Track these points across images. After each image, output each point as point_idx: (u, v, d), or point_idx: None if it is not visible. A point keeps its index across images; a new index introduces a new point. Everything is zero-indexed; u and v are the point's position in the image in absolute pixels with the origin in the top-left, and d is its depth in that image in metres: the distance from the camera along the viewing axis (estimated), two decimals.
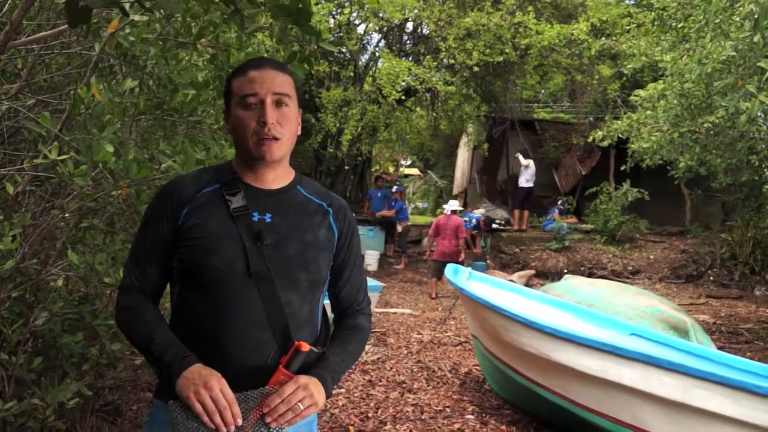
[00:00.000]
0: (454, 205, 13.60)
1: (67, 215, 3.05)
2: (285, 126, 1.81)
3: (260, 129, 1.77)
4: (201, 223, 1.79)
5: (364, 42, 18.18)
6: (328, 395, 1.76)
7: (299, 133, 1.91)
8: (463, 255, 12.91)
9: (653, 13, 10.47)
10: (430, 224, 20.20)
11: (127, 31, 2.84)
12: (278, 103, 1.79)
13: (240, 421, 1.63)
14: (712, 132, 8.62)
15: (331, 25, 15.82)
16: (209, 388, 1.61)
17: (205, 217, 1.80)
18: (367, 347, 8.05)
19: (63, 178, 2.48)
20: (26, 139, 3.27)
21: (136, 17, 2.70)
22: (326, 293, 1.99)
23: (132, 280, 1.88)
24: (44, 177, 2.87)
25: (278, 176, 1.90)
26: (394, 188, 18.35)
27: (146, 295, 1.87)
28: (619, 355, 4.35)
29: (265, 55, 4.14)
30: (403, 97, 16.91)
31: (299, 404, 1.67)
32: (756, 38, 6.17)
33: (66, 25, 2.42)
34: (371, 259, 15.99)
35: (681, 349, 4.93)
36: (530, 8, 15.81)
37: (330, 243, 1.92)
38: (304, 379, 1.71)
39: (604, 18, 15.50)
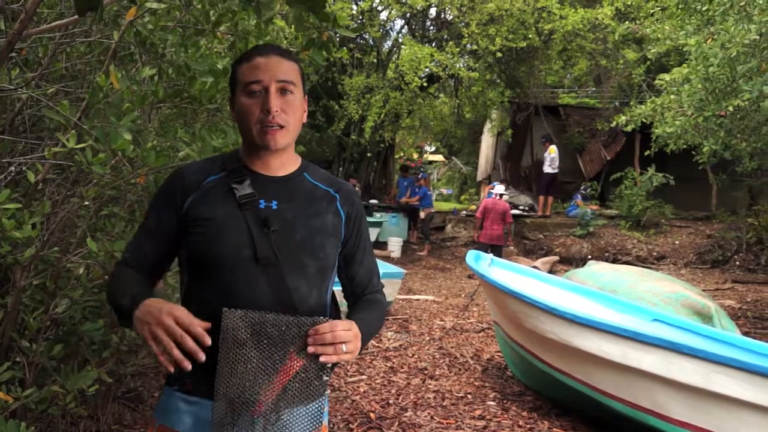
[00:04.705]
0: (500, 189, 13.77)
1: (87, 203, 3.07)
2: (290, 113, 1.80)
3: (264, 117, 1.76)
4: (207, 211, 1.79)
5: (387, 28, 18.13)
6: (359, 352, 1.75)
7: (305, 120, 1.90)
8: (505, 240, 13.32)
9: None
10: (453, 210, 20.25)
11: (146, 19, 2.84)
12: (282, 91, 1.78)
13: (208, 341, 1.57)
14: (737, 116, 8.53)
15: (354, 12, 15.79)
16: (161, 323, 1.57)
17: (211, 205, 1.80)
18: (389, 334, 8.07)
19: (81, 166, 2.50)
20: (48, 127, 3.29)
21: (155, 5, 2.70)
22: (336, 280, 1.98)
23: (127, 255, 1.90)
24: (65, 165, 2.88)
25: (284, 163, 1.89)
26: (420, 174, 18.33)
27: (137, 270, 1.87)
28: (639, 340, 4.33)
29: (284, 42, 4.15)
30: (425, 84, 16.88)
31: (343, 345, 1.64)
32: None
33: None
34: (394, 245, 16.02)
35: (704, 335, 4.90)
36: None
37: (337, 229, 1.91)
38: (354, 325, 1.71)
39: (629, 2, 15.30)
